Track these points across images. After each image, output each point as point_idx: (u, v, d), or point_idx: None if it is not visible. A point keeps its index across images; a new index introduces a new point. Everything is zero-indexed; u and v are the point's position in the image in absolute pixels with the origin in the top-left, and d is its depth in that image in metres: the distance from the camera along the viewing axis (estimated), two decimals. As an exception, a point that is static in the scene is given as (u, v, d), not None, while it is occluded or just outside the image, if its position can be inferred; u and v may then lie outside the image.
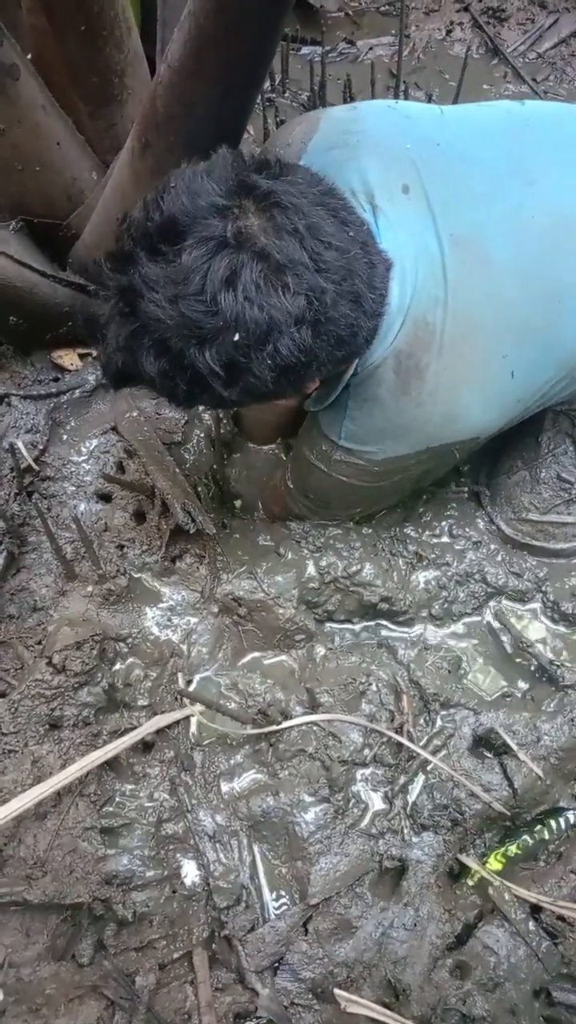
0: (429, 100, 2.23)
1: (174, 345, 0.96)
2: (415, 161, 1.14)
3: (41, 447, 1.51)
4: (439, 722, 1.40)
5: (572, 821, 1.38)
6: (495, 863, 1.33)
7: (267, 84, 2.23)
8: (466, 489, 1.61)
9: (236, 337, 0.94)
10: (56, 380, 1.61)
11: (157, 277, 0.94)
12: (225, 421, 1.68)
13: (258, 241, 0.93)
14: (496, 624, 1.52)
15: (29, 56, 1.41)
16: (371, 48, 2.43)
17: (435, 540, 1.55)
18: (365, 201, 1.12)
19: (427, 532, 1.55)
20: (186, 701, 1.37)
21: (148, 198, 0.97)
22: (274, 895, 1.28)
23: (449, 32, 2.45)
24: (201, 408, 1.63)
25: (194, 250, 0.92)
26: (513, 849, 1.35)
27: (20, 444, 1.47)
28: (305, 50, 2.40)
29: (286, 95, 2.27)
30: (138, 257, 0.95)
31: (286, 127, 1.27)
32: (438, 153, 1.17)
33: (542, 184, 1.18)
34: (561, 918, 1.25)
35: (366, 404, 1.21)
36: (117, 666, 1.38)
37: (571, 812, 1.38)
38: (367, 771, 1.36)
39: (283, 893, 1.29)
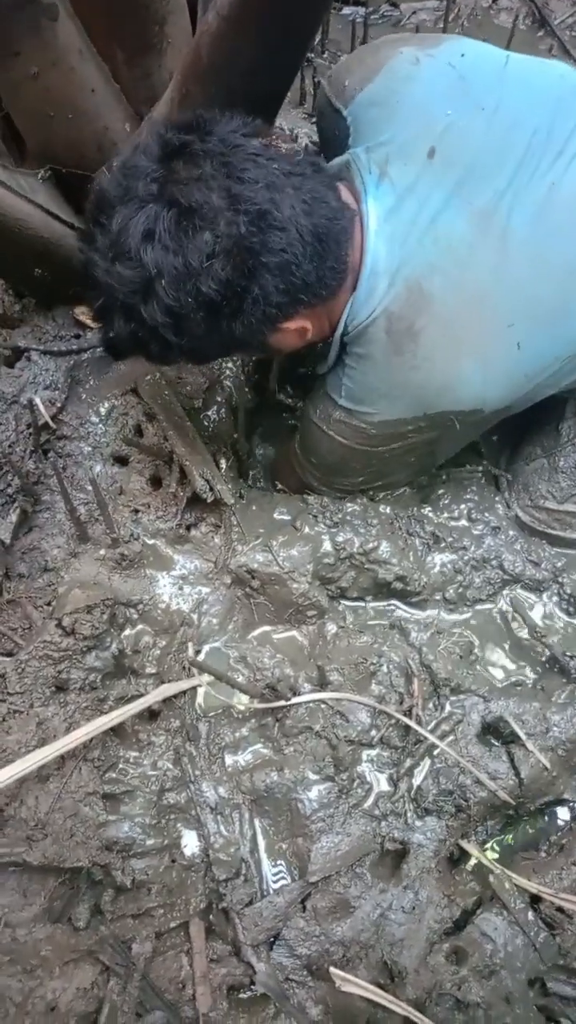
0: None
1: (128, 305, 1.05)
2: (451, 127, 1.17)
3: (59, 405, 1.47)
4: (448, 707, 1.38)
5: (576, 814, 1.38)
6: (496, 851, 1.33)
7: (306, 43, 2.16)
8: (480, 470, 1.58)
9: (164, 283, 1.02)
10: (77, 337, 1.57)
11: (102, 247, 1.05)
12: (247, 389, 1.64)
13: (171, 193, 1.01)
14: (510, 612, 1.50)
15: (68, -3, 1.36)
16: (414, 12, 2.36)
17: (453, 523, 1.53)
18: (375, 164, 1.18)
19: (445, 514, 1.53)
20: (194, 671, 1.35)
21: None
22: (273, 870, 1.28)
23: (496, 0, 2.37)
24: (219, 371, 1.60)
25: (120, 214, 1.02)
26: (508, 839, 1.34)
27: (38, 400, 1.43)
28: (347, 10, 2.33)
29: (325, 55, 2.21)
30: (92, 232, 1.06)
31: (355, 60, 1.31)
32: (480, 119, 1.18)
33: (572, 156, 1.17)
34: (560, 909, 1.24)
35: (361, 362, 1.24)
36: (126, 632, 1.36)
37: (575, 804, 1.38)
38: (373, 752, 1.35)
39: (282, 869, 1.28)
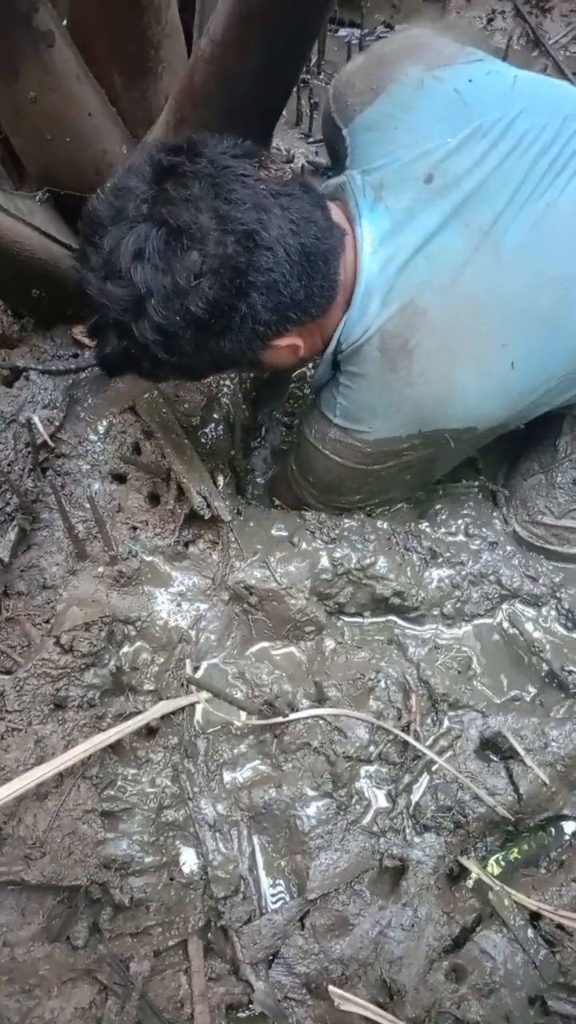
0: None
1: (120, 323, 1.07)
2: (450, 154, 1.18)
3: (57, 423, 1.49)
4: (446, 723, 1.38)
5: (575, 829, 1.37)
6: (496, 868, 1.32)
7: (302, 65, 2.19)
8: (476, 485, 1.59)
9: (153, 302, 1.04)
10: (76, 356, 1.58)
11: (95, 266, 1.07)
12: (244, 407, 1.66)
13: (161, 213, 1.03)
14: (508, 627, 1.51)
15: (65, 23, 1.38)
16: (410, 33, 2.38)
17: (451, 538, 1.53)
18: (370, 188, 1.20)
19: (443, 529, 1.54)
20: (192, 688, 1.35)
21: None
22: (272, 888, 1.28)
23: (490, 20, 2.40)
24: (217, 389, 1.61)
25: (112, 235, 1.05)
26: (512, 855, 1.34)
27: (37, 419, 1.45)
28: (343, 32, 2.36)
29: (321, 76, 2.24)
30: (85, 252, 1.09)
31: (359, 74, 1.29)
32: (482, 144, 1.19)
33: (569, 174, 1.19)
34: (560, 927, 1.24)
35: (355, 381, 1.25)
36: (125, 649, 1.36)
37: (574, 820, 1.37)
38: (371, 768, 1.34)
39: (281, 886, 1.28)
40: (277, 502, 1.62)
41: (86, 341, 1.59)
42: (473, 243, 1.17)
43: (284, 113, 2.05)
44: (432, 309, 1.17)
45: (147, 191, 1.05)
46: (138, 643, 1.38)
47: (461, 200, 1.17)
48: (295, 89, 2.02)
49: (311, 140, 2.13)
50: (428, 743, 1.34)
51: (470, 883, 1.30)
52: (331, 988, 1.15)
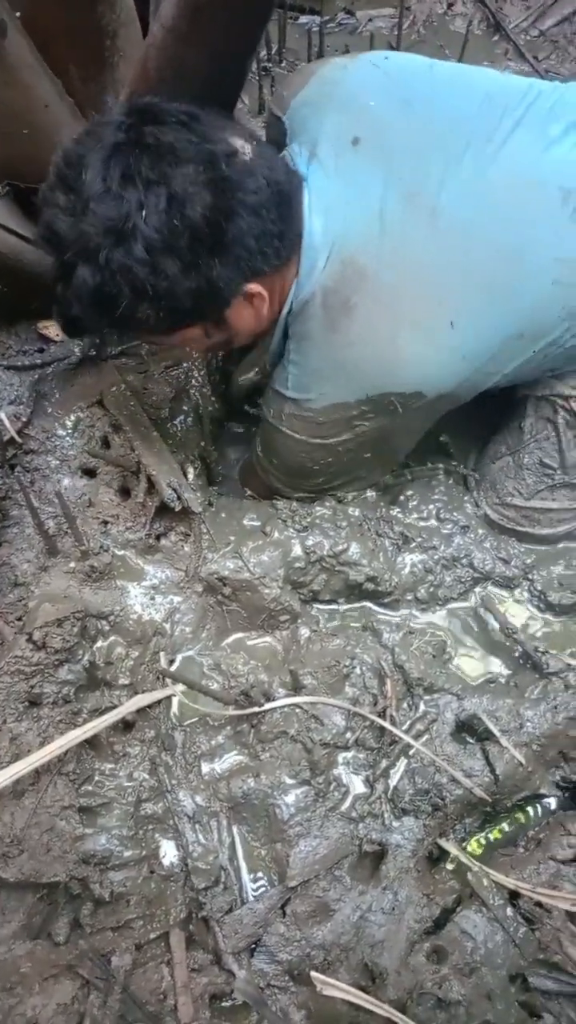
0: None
1: (97, 252, 1.05)
2: (375, 117, 1.23)
3: (24, 419, 1.47)
4: (422, 707, 1.39)
5: (552, 808, 1.38)
6: (474, 848, 1.33)
7: (264, 53, 2.18)
8: (442, 467, 1.59)
9: (145, 214, 1.03)
10: (41, 351, 1.57)
11: (67, 203, 1.06)
12: (213, 398, 1.65)
13: (143, 137, 1.04)
14: (482, 610, 1.52)
15: (18, 14, 1.36)
16: (370, 19, 2.38)
17: (422, 523, 1.54)
18: (306, 151, 1.24)
19: (414, 515, 1.54)
20: (168, 681, 1.35)
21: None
22: (253, 877, 1.28)
23: (451, 6, 2.41)
24: (185, 380, 1.60)
25: (92, 165, 1.04)
26: (493, 835, 1.35)
27: (3, 415, 1.43)
28: (303, 19, 2.35)
29: (283, 64, 2.23)
30: (52, 196, 1.08)
31: (295, 74, 1.42)
32: (405, 110, 1.24)
33: (508, 148, 1.21)
34: (539, 904, 1.25)
35: (302, 344, 1.27)
36: (98, 644, 1.36)
37: (551, 799, 1.38)
38: (349, 754, 1.35)
39: (262, 875, 1.28)
40: (249, 492, 1.62)
41: (52, 335, 1.58)
42: (407, 205, 1.19)
43: (246, 101, 2.05)
44: (371, 268, 1.18)
45: (124, 120, 1.06)
46: (112, 637, 1.37)
47: (389, 160, 1.20)
48: (257, 78, 2.01)
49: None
50: (404, 727, 1.35)
51: (449, 865, 1.31)
52: (313, 974, 1.15)
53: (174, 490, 1.42)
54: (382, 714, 1.35)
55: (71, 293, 1.10)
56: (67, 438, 1.51)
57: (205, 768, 1.33)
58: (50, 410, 1.53)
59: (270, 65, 2.20)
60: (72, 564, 1.38)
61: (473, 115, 1.23)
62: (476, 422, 1.62)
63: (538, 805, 1.39)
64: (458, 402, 1.37)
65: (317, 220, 1.20)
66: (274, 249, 1.16)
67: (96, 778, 1.28)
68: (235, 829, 1.30)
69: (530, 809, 1.38)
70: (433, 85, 1.28)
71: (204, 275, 1.11)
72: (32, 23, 1.38)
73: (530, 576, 1.52)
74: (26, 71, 1.37)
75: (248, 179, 1.10)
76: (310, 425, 1.33)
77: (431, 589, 1.49)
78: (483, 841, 1.35)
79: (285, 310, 1.26)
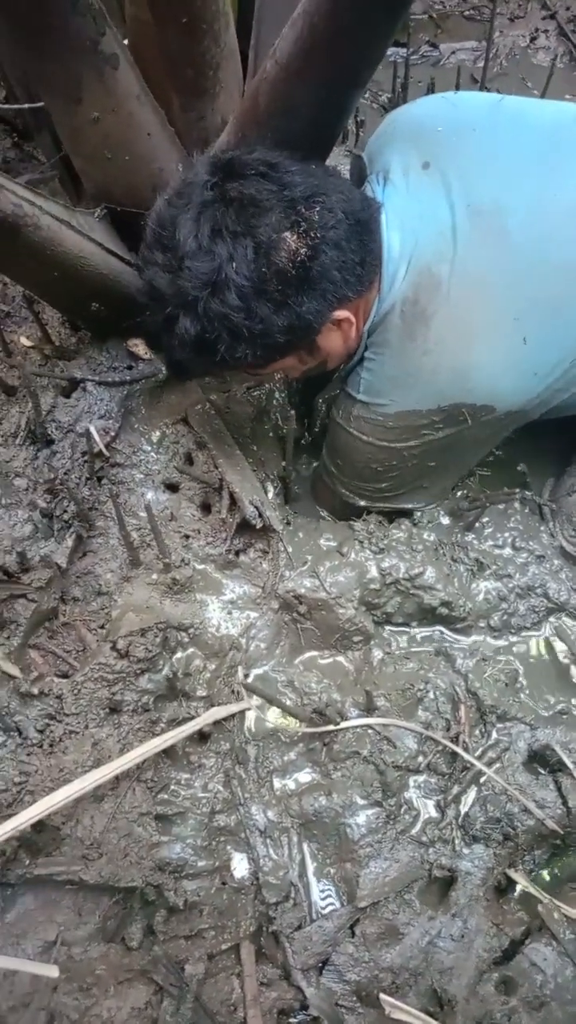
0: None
1: (196, 303, 1.13)
2: (442, 142, 1.29)
3: (113, 434, 1.52)
4: (495, 734, 1.39)
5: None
6: (546, 880, 1.32)
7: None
8: (518, 493, 1.59)
9: (235, 266, 1.10)
10: (130, 368, 1.61)
11: (164, 261, 1.14)
12: (293, 418, 1.68)
13: (227, 193, 1.12)
14: (556, 640, 1.51)
15: (127, 42, 1.42)
16: (453, 52, 2.42)
17: (497, 551, 1.54)
18: (381, 178, 1.30)
19: (490, 542, 1.54)
20: (244, 694, 1.37)
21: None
22: (322, 895, 1.29)
23: (534, 39, 2.43)
24: (266, 400, 1.64)
25: (183, 225, 1.12)
26: (564, 868, 1.34)
27: (93, 429, 1.48)
28: (388, 51, 2.38)
29: (367, 96, 2.27)
30: (150, 255, 1.17)
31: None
32: (471, 136, 1.29)
33: (569, 171, 1.26)
34: (610, 941, 1.24)
35: (378, 352, 1.31)
36: (178, 655, 1.39)
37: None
38: (420, 778, 1.35)
39: (331, 893, 1.29)
40: (323, 512, 1.64)
41: (140, 353, 1.62)
42: (478, 222, 1.22)
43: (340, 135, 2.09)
44: (446, 279, 1.22)
45: (209, 179, 1.14)
46: (191, 649, 1.40)
47: (459, 183, 1.24)
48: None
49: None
50: (477, 754, 1.35)
51: (518, 895, 1.30)
52: (383, 996, 1.16)
53: (256, 508, 1.45)
54: (455, 740, 1.35)
55: (175, 342, 1.19)
56: (152, 453, 1.56)
57: (277, 783, 1.35)
58: (137, 425, 1.57)
59: (353, 95, 2.24)
60: (154, 576, 1.42)
61: (541, 141, 1.28)
62: (553, 452, 1.62)
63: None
64: (527, 419, 1.39)
65: (394, 236, 1.24)
66: (356, 276, 1.21)
67: (172, 787, 1.31)
68: (305, 846, 1.32)
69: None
70: (500, 113, 1.33)
71: (295, 312, 1.17)
72: (139, 53, 1.44)
73: (605, 609, 1.52)
74: (133, 101, 1.42)
75: (328, 216, 1.15)
76: (378, 428, 1.36)
77: (504, 617, 1.49)
78: (546, 876, 1.34)
79: (367, 324, 1.30)
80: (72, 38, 1.27)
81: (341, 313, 1.23)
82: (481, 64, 2.23)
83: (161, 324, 1.20)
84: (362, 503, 1.51)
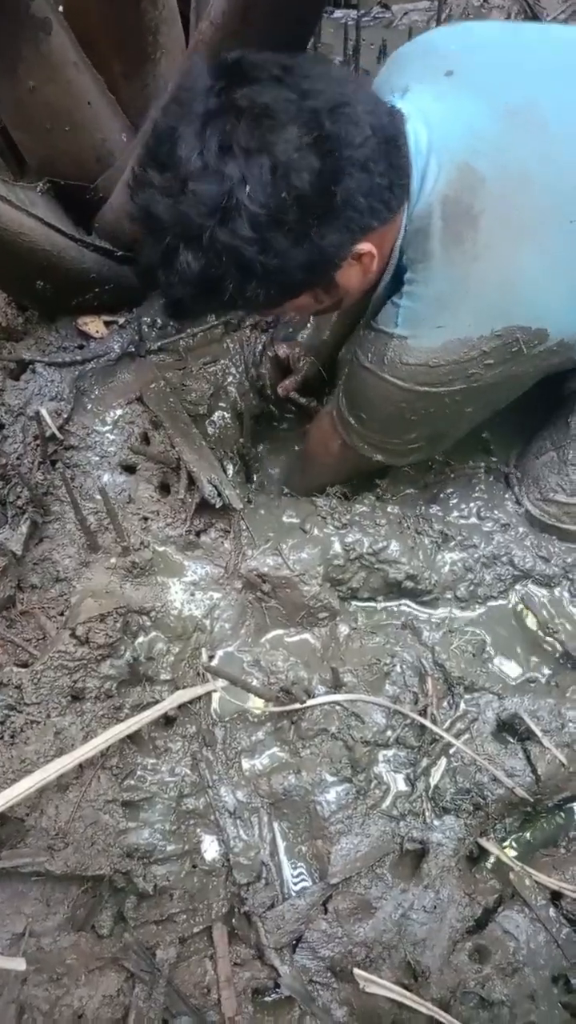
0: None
1: (201, 233, 0.98)
2: (462, 56, 1.18)
3: (65, 415, 1.48)
4: (463, 706, 1.38)
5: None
6: (515, 848, 1.33)
7: (299, 47, 2.17)
8: (483, 465, 1.58)
9: (248, 190, 0.95)
10: (81, 347, 1.58)
11: (162, 183, 0.98)
12: (252, 394, 1.65)
13: (236, 102, 0.96)
14: (522, 608, 1.51)
15: (61, 10, 1.37)
16: (406, 13, 2.37)
17: (462, 521, 1.53)
18: (397, 90, 1.17)
19: (455, 512, 1.53)
20: (208, 676, 1.36)
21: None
22: (294, 873, 1.28)
23: (487, -2, 2.37)
24: (223, 377, 1.60)
25: (186, 140, 0.96)
26: (534, 835, 1.34)
27: (44, 412, 1.44)
28: (338, 13, 2.34)
29: (318, 59, 2.21)
30: (145, 176, 1.00)
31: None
32: (493, 48, 1.21)
33: None
34: (582, 905, 1.24)
35: (420, 267, 1.15)
36: (140, 639, 1.36)
37: (593, 799, 1.38)
38: (390, 752, 1.35)
39: (303, 871, 1.28)
40: (286, 490, 1.62)
41: (92, 332, 1.59)
42: (514, 122, 1.11)
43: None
44: (489, 175, 1.09)
45: (214, 84, 0.98)
46: (153, 633, 1.38)
47: (485, 83, 1.13)
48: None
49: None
50: (445, 726, 1.35)
51: (490, 864, 1.31)
52: (356, 971, 1.16)
53: (215, 487, 1.42)
54: (423, 712, 1.35)
55: (175, 278, 1.04)
56: (107, 434, 1.52)
57: (246, 764, 1.33)
58: (90, 406, 1.54)
59: (305, 59, 2.19)
60: (113, 560, 1.39)
61: (569, 51, 1.20)
62: (518, 419, 1.60)
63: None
64: (570, 362, 1.27)
65: (420, 128, 1.10)
66: (384, 203, 1.07)
67: (138, 772, 1.29)
68: (276, 825, 1.31)
69: (572, 809, 1.37)
70: (521, 30, 1.29)
71: (315, 245, 1.02)
72: (75, 19, 1.39)
73: (571, 574, 1.51)
74: (70, 68, 1.38)
75: (354, 131, 1.00)
76: (419, 371, 1.19)
77: (471, 587, 1.48)
78: (515, 844, 1.35)
79: (397, 243, 1.16)
80: (1, 2, 1.22)
81: (364, 246, 1.09)
82: (434, 25, 2.18)
83: (158, 257, 1.03)
84: (379, 457, 1.39)
